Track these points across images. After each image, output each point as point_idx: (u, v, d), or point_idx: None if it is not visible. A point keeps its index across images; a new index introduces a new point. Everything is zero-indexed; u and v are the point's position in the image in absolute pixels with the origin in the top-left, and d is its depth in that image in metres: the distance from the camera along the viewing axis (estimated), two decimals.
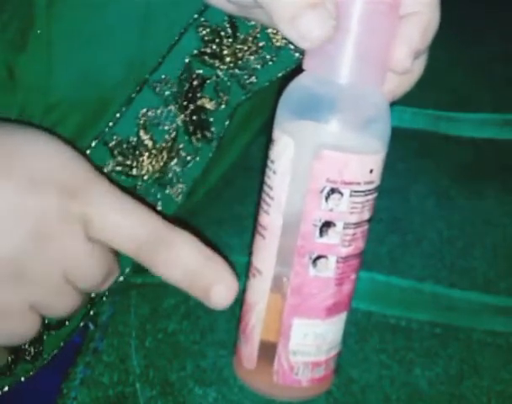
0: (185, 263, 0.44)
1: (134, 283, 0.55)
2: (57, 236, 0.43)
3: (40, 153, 0.45)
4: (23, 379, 0.53)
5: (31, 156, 0.44)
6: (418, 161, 0.64)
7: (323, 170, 0.42)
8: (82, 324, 0.55)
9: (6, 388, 0.53)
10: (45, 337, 0.53)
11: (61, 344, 0.54)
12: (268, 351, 0.47)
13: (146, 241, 0.44)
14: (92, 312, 0.54)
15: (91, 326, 0.54)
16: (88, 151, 0.52)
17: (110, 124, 0.52)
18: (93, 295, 0.53)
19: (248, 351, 0.47)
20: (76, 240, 0.44)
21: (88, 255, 0.44)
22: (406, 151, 0.63)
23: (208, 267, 0.44)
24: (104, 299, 0.55)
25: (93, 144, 0.52)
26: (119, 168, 0.53)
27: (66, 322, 0.54)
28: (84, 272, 0.45)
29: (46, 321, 0.52)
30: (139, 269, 0.55)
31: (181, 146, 0.54)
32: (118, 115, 0.52)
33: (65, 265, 0.44)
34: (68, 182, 0.44)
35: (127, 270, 0.55)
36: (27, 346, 0.53)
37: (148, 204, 0.46)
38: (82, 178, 0.45)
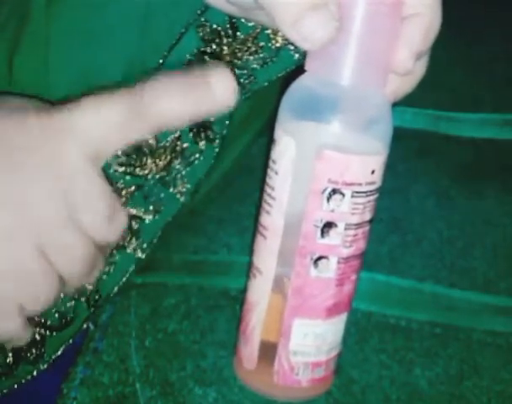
0: (173, 86, 0.45)
1: (134, 283, 0.55)
2: (49, 150, 0.44)
3: (12, 95, 0.47)
4: (23, 380, 0.53)
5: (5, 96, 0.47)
6: (418, 161, 0.64)
7: (325, 171, 0.42)
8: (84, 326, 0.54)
9: (6, 389, 0.53)
10: (46, 338, 0.53)
11: (63, 346, 0.54)
12: (268, 351, 0.47)
13: (133, 97, 0.45)
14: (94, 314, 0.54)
15: (91, 326, 0.54)
16: None
17: None
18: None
19: (249, 351, 0.47)
20: (69, 150, 0.44)
21: (86, 169, 0.45)
22: (406, 151, 0.63)
23: (193, 74, 0.46)
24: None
25: None
26: (122, 168, 0.53)
27: (68, 323, 0.53)
28: (85, 190, 0.45)
29: (49, 323, 0.52)
30: (139, 269, 0.55)
31: (185, 145, 0.54)
32: None
33: (63, 179, 0.44)
34: (41, 104, 0.46)
35: (130, 269, 0.54)
36: (28, 347, 0.53)
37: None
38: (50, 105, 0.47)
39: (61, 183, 0.45)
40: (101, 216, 0.46)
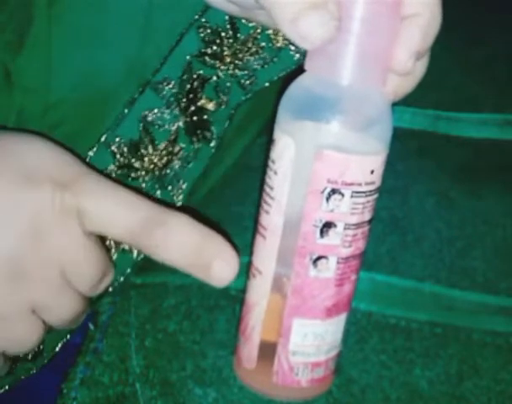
0: (182, 242, 0.44)
1: (134, 283, 0.55)
2: (54, 230, 0.44)
3: (32, 150, 0.45)
4: (23, 378, 0.53)
5: (23, 154, 0.45)
6: (418, 161, 0.63)
7: (324, 171, 0.42)
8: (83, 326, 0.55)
9: (6, 387, 0.53)
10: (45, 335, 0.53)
11: (61, 343, 0.54)
12: (268, 351, 0.47)
13: (142, 226, 0.44)
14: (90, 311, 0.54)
15: (91, 327, 0.54)
16: (90, 153, 0.52)
17: (113, 125, 0.52)
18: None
19: (248, 351, 0.47)
20: (72, 233, 0.44)
21: (85, 249, 0.45)
22: (406, 151, 0.63)
23: (206, 244, 0.45)
24: (104, 299, 0.55)
25: (96, 145, 0.52)
26: (120, 169, 0.53)
27: None
28: (81, 267, 0.45)
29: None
30: (139, 269, 0.55)
31: (182, 146, 0.54)
32: (120, 117, 0.52)
33: (63, 260, 0.44)
34: (60, 175, 0.45)
35: (128, 270, 0.55)
36: None
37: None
38: (73, 170, 0.45)
39: (59, 254, 0.45)
40: (93, 284, 0.47)
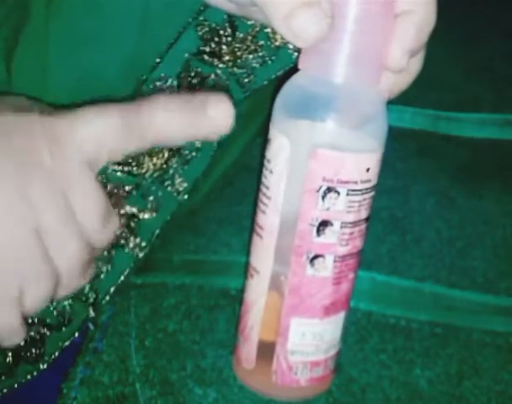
0: (171, 106, 0.46)
1: (134, 283, 0.55)
2: (50, 152, 0.45)
3: (15, 95, 0.48)
4: (23, 380, 0.53)
5: (7, 96, 0.48)
6: (418, 161, 0.63)
7: (319, 169, 0.42)
8: (83, 326, 0.55)
9: (5, 390, 0.53)
10: (46, 338, 0.53)
11: (63, 346, 0.54)
12: (266, 351, 0.47)
13: (130, 115, 0.46)
14: (92, 312, 0.54)
15: (91, 327, 0.54)
16: None
17: None
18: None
19: (247, 351, 0.47)
20: (68, 155, 0.45)
21: (84, 175, 0.46)
22: (406, 150, 0.63)
23: (192, 98, 0.47)
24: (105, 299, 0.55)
25: None
26: (120, 167, 0.53)
27: (67, 322, 0.54)
28: (84, 194, 0.46)
29: (48, 322, 0.52)
30: (139, 269, 0.55)
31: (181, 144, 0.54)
32: None
33: (63, 183, 0.45)
34: (43, 108, 0.47)
35: (129, 269, 0.55)
36: (28, 347, 0.53)
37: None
38: (53, 109, 0.47)
39: (60, 182, 0.45)
40: (96, 219, 0.47)
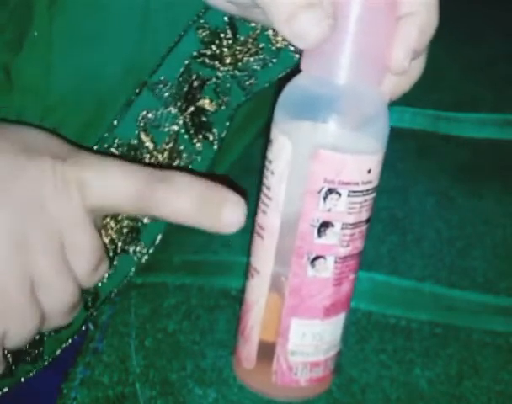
0: (185, 192, 0.45)
1: (134, 283, 0.55)
2: (55, 201, 0.44)
3: (31, 131, 0.47)
4: (23, 379, 0.53)
5: (22, 132, 0.47)
6: (418, 161, 0.63)
7: (321, 170, 0.42)
8: (83, 327, 0.55)
9: (6, 388, 0.53)
10: (45, 339, 0.53)
11: (62, 347, 0.54)
12: (266, 351, 0.47)
13: (143, 188, 0.45)
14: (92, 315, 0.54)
15: (91, 327, 0.54)
16: None
17: (111, 127, 0.52)
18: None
19: (247, 351, 0.47)
20: (73, 204, 0.45)
21: (84, 223, 0.45)
22: (406, 151, 0.63)
23: (210, 191, 0.45)
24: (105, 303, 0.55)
25: (95, 147, 0.53)
26: None
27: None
28: (80, 242, 0.46)
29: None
30: (139, 270, 0.55)
31: (182, 147, 0.54)
32: (118, 118, 0.52)
33: (63, 231, 0.45)
34: (59, 150, 0.46)
35: (131, 272, 0.55)
36: (27, 347, 0.53)
37: None
38: (71, 147, 0.47)
39: (60, 230, 0.45)
40: (89, 267, 0.47)
